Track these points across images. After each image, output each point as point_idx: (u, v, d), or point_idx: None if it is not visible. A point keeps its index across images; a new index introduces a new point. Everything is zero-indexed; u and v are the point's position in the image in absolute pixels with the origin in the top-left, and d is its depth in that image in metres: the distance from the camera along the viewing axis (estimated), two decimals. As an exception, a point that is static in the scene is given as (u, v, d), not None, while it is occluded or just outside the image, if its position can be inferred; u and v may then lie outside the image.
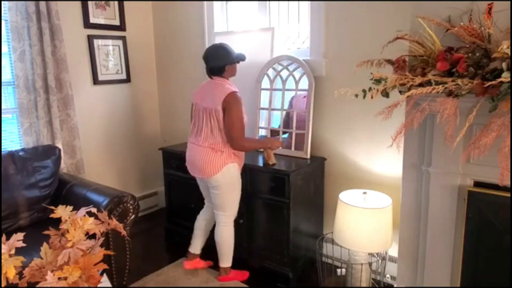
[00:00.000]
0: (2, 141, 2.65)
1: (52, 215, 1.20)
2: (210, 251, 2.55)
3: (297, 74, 2.56)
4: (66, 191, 2.48)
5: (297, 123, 2.57)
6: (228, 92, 2.16)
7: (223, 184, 2.25)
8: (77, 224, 1.17)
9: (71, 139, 2.87)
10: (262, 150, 2.44)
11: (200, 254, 2.55)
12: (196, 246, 2.54)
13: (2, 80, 2.63)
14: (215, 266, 2.51)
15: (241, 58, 2.32)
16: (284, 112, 2.65)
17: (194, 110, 2.36)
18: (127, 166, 3.44)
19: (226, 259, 2.41)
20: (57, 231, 1.21)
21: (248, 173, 2.43)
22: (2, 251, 1.07)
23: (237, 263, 2.56)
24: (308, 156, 2.49)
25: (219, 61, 2.23)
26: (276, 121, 2.69)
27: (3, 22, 2.58)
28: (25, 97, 2.61)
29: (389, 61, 1.65)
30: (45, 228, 1.26)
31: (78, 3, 2.95)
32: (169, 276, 2.52)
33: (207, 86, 2.30)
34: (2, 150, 2.53)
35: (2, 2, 2.53)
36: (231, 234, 2.38)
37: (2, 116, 2.66)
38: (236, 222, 2.52)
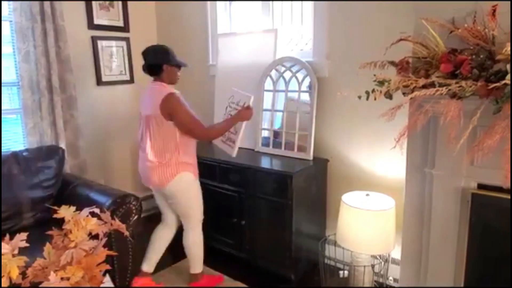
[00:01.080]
0: (7, 141, 2.67)
1: (55, 215, 1.21)
2: (213, 252, 2.55)
3: (300, 75, 2.55)
4: (70, 191, 2.49)
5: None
6: (165, 94, 2.00)
7: (178, 193, 2.14)
8: (80, 225, 1.18)
9: (74, 139, 2.88)
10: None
11: (152, 273, 2.35)
12: (149, 263, 2.32)
13: (7, 81, 2.65)
14: (218, 269, 2.50)
15: (182, 63, 2.17)
16: (285, 113, 2.65)
17: (139, 119, 2.22)
18: (130, 167, 3.44)
19: (195, 265, 2.32)
20: (60, 231, 1.21)
21: (250, 174, 2.43)
22: (6, 251, 1.07)
23: (239, 263, 2.57)
24: (311, 158, 2.48)
25: (156, 58, 2.08)
26: (278, 122, 2.68)
27: (7, 23, 2.60)
28: (29, 97, 2.63)
29: (392, 63, 1.65)
30: (48, 228, 1.26)
31: (82, 4, 2.97)
32: (171, 277, 2.52)
33: (146, 92, 2.16)
34: (6, 150, 2.55)
35: (8, 3, 2.54)
36: (198, 238, 2.29)
37: (7, 116, 2.68)
38: (238, 223, 2.53)
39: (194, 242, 2.29)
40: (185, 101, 2.08)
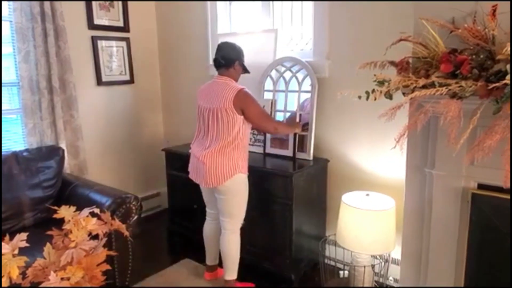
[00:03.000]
0: (7, 141, 2.67)
1: (55, 216, 1.21)
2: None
3: (300, 75, 2.55)
4: (70, 191, 2.49)
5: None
6: (237, 90, 2.06)
7: (231, 191, 2.15)
8: (80, 225, 1.18)
9: (74, 139, 2.88)
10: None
11: (217, 263, 2.44)
12: (211, 257, 2.43)
13: (7, 81, 2.65)
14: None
15: (247, 70, 2.26)
16: (287, 114, 2.65)
17: (198, 113, 2.23)
18: (130, 167, 3.45)
19: (231, 271, 2.25)
20: (60, 231, 1.21)
21: (251, 174, 2.43)
22: (6, 251, 1.07)
23: (239, 263, 2.56)
24: (311, 158, 2.48)
25: (232, 54, 2.15)
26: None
27: (8, 23, 2.60)
28: (29, 97, 2.63)
29: (392, 63, 1.65)
30: (49, 228, 1.26)
31: (82, 5, 2.97)
32: (171, 277, 2.52)
33: (211, 86, 2.17)
34: (7, 150, 2.55)
35: (8, 3, 2.55)
36: (237, 242, 2.25)
37: (7, 116, 2.68)
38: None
39: (233, 246, 2.24)
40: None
